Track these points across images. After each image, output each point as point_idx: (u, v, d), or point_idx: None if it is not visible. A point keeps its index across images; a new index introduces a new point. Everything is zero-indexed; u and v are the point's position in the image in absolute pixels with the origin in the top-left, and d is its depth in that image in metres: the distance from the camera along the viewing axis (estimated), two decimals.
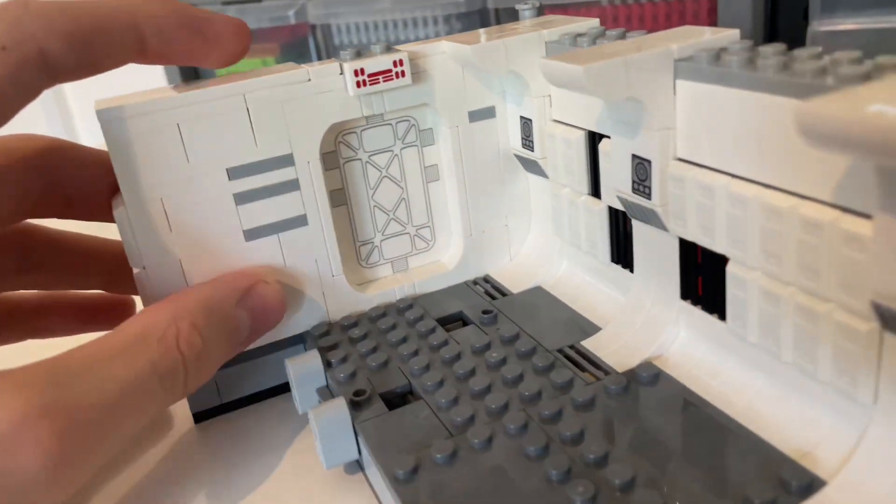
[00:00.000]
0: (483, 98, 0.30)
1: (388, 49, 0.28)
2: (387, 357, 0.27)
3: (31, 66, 0.22)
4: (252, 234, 0.28)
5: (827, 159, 0.18)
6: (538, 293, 0.30)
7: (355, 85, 0.27)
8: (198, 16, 0.26)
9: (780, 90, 0.19)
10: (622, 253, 0.27)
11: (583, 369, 0.25)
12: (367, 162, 0.30)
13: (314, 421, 0.24)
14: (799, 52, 0.19)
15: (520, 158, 0.31)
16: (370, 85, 0.27)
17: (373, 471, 0.23)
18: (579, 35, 0.27)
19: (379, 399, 0.25)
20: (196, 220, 0.27)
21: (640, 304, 0.26)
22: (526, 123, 0.30)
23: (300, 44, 0.61)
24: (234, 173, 0.27)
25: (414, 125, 0.31)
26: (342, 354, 0.27)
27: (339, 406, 0.24)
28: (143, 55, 0.26)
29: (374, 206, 0.31)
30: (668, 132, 0.22)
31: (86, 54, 0.24)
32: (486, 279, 0.32)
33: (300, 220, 0.29)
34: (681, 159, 0.22)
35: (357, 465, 0.26)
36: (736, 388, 0.22)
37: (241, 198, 0.27)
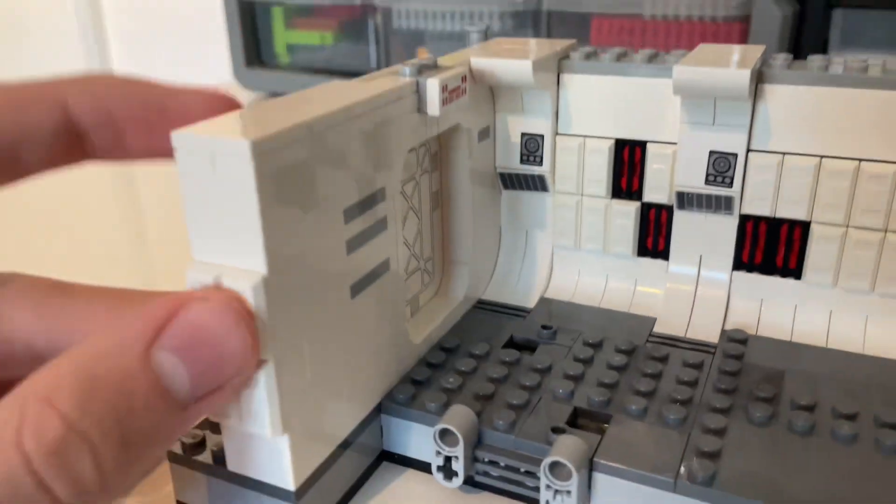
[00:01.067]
0: (483, 118, 0.30)
1: (436, 64, 0.26)
2: (526, 395, 0.25)
3: None
4: (356, 289, 0.22)
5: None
6: (554, 303, 0.31)
7: (441, 103, 0.24)
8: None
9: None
10: (653, 245, 0.30)
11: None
12: (400, 192, 0.27)
13: (572, 467, 0.21)
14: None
15: (507, 176, 0.31)
16: (447, 104, 0.25)
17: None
18: (591, 53, 0.29)
19: (578, 430, 0.23)
20: (310, 283, 0.20)
21: (687, 285, 0.30)
22: (531, 139, 0.30)
23: (359, 23, 0.60)
24: (349, 214, 0.21)
25: (428, 149, 0.28)
26: (475, 407, 0.24)
27: (578, 444, 0.22)
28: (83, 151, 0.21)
29: (403, 241, 0.27)
30: (746, 129, 0.27)
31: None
32: (483, 302, 0.31)
33: (384, 266, 0.24)
34: (754, 150, 0.27)
35: None
36: (813, 327, 0.28)
37: (351, 244, 0.22)
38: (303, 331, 0.20)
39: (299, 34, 0.74)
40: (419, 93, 0.24)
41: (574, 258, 0.32)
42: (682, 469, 0.21)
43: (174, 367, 0.17)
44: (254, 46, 0.75)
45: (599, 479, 0.22)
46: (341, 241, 0.21)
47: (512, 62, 0.27)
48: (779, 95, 0.26)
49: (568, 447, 0.22)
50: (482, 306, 0.31)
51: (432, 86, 0.24)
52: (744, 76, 0.24)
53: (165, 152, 0.19)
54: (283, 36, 0.75)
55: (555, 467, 0.21)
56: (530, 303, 0.31)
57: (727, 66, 0.24)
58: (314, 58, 0.73)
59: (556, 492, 0.22)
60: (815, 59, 0.26)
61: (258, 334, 0.18)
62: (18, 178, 0.21)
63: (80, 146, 0.22)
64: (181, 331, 0.18)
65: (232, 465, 0.22)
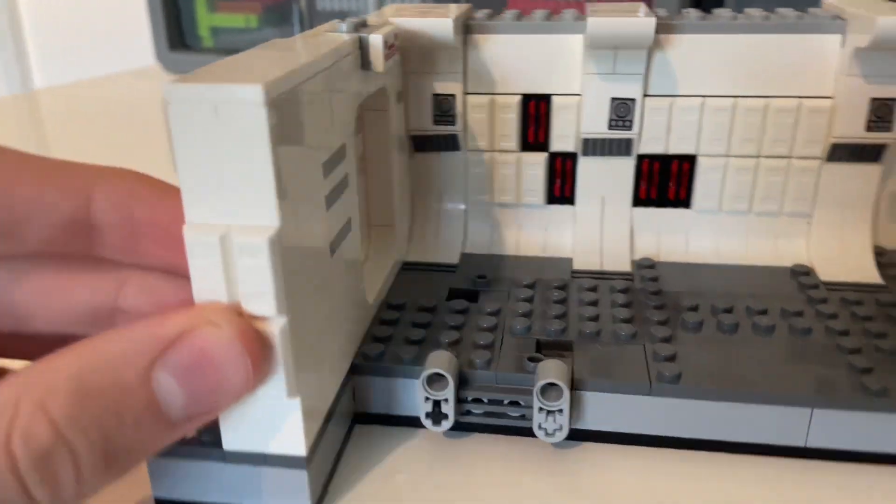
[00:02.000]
0: (398, 80, 0.30)
1: (366, 23, 0.26)
2: (489, 335, 0.26)
3: None
4: (333, 247, 0.22)
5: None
6: (476, 257, 0.32)
7: (384, 59, 0.24)
8: None
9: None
10: (560, 192, 0.33)
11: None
12: None
13: (564, 386, 0.22)
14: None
15: (420, 138, 0.32)
16: (387, 60, 0.25)
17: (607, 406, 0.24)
18: (492, 14, 0.31)
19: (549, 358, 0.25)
20: (305, 239, 0.20)
21: (596, 224, 0.32)
22: (445, 99, 0.31)
23: (283, 6, 0.63)
24: (326, 168, 0.21)
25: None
26: (445, 352, 0.25)
27: (560, 366, 0.23)
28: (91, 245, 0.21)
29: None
30: (642, 76, 0.30)
31: None
32: (409, 263, 0.32)
33: (349, 225, 0.24)
34: (649, 95, 0.30)
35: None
36: (704, 248, 0.32)
37: (329, 200, 0.22)
38: (303, 288, 0.20)
39: (223, 17, 0.75)
40: (362, 49, 0.24)
41: (488, 212, 0.34)
42: (651, 374, 0.24)
43: (172, 389, 0.17)
44: (177, 30, 0.76)
45: (582, 395, 0.24)
46: (322, 195, 0.21)
47: (434, 21, 0.28)
48: (670, 44, 0.30)
49: (554, 370, 0.23)
50: (409, 267, 0.32)
51: (376, 41, 0.24)
52: (650, 24, 0.27)
53: (182, 269, 0.18)
54: (206, 19, 0.75)
55: (544, 390, 0.23)
56: (454, 259, 0.32)
57: (634, 17, 0.27)
58: (238, 40, 0.73)
59: (549, 413, 0.23)
60: (692, 12, 0.30)
61: (262, 364, 0.18)
62: (12, 251, 0.20)
63: (89, 240, 0.20)
64: (185, 354, 0.18)
65: (230, 443, 0.20)
